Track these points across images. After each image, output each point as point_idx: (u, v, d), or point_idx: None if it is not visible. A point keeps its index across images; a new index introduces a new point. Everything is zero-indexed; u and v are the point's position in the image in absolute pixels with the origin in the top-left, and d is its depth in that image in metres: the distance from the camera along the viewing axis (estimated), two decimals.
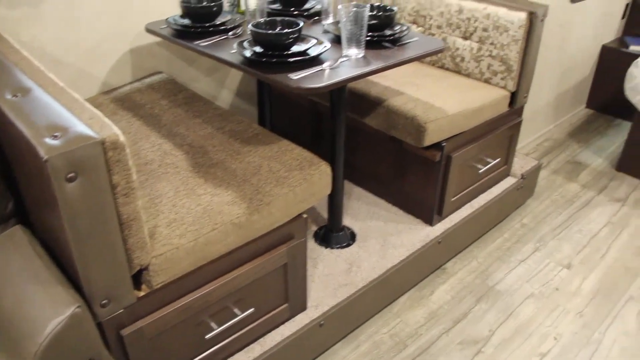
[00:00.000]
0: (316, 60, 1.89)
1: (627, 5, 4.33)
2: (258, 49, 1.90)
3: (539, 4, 2.55)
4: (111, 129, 1.23)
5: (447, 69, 2.81)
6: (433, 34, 2.79)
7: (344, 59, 1.93)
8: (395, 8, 2.16)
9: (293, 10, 2.45)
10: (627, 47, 4.18)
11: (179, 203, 1.65)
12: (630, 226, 3.05)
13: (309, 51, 1.91)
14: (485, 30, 2.59)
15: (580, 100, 4.37)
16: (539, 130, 3.88)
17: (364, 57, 1.96)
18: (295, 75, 1.76)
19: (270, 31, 1.91)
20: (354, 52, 1.95)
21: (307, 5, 2.51)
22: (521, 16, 2.46)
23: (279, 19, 1.99)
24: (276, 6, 2.50)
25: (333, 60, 1.89)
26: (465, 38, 2.69)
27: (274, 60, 1.83)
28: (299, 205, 1.81)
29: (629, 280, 2.66)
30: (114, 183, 1.26)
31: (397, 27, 2.17)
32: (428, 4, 2.77)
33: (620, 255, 2.83)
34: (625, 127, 4.18)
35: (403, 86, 2.54)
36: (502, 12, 2.52)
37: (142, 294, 1.51)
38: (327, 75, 1.79)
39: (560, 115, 4.11)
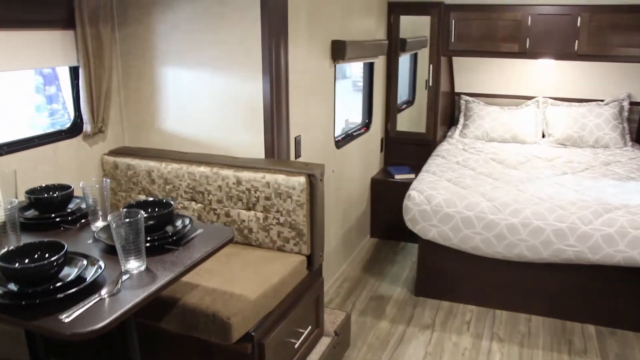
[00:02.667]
0: (91, 287, 1.56)
1: (382, 139, 4.73)
2: (12, 286, 1.51)
3: (315, 164, 2.56)
4: None
5: (237, 243, 2.64)
6: (214, 209, 2.63)
7: (125, 277, 1.63)
8: (172, 202, 1.95)
9: (54, 217, 2.09)
10: (392, 176, 4.51)
11: None
12: (446, 351, 3.07)
13: (80, 278, 1.57)
14: (268, 198, 2.50)
15: (364, 232, 4.54)
16: (334, 273, 3.87)
17: (147, 269, 1.68)
18: (67, 316, 1.41)
19: (26, 263, 1.55)
20: (135, 266, 1.67)
21: (70, 205, 2.18)
22: (301, 180, 2.43)
23: (36, 242, 1.64)
24: (30, 213, 2.12)
25: (112, 285, 1.57)
26: (249, 209, 2.57)
27: (37, 300, 1.46)
28: None
29: None
30: None
31: (178, 222, 1.95)
32: (203, 179, 2.62)
33: None
34: (410, 249, 4.40)
35: (194, 275, 2.28)
36: (281, 179, 2.47)
37: None
38: (108, 306, 1.47)
39: (350, 252, 4.19)
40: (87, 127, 2.71)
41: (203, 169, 2.63)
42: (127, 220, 1.62)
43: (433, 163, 4.12)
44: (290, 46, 2.73)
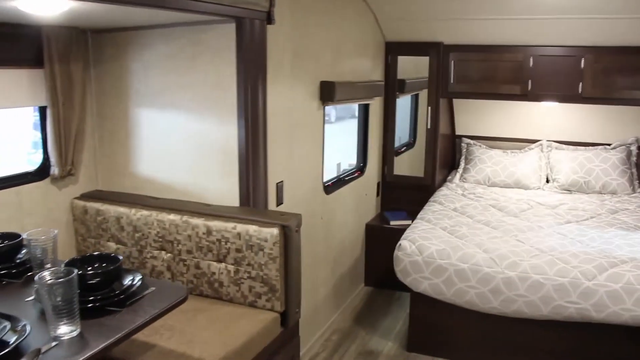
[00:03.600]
0: (13, 356, 1.37)
1: (378, 184, 4.55)
2: None
3: (292, 214, 2.39)
4: None
5: (207, 296, 2.45)
6: (184, 260, 2.44)
7: (53, 344, 1.44)
8: (120, 257, 1.78)
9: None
10: (388, 222, 4.31)
11: None
12: None
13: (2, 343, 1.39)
14: (239, 250, 2.32)
15: (358, 279, 4.32)
16: (323, 324, 3.65)
17: (80, 335, 1.49)
18: None
19: None
20: (66, 331, 1.48)
21: (20, 255, 2.01)
22: (274, 232, 2.25)
23: None
24: None
25: (32, 354, 1.39)
26: (219, 261, 2.39)
27: None
28: None
29: None
30: None
31: (127, 280, 1.77)
32: (173, 228, 2.45)
33: None
34: (406, 299, 4.14)
35: (154, 334, 2.08)
36: (253, 230, 2.29)
37: None
38: None
39: (342, 301, 3.97)
40: (54, 169, 2.55)
41: (173, 216, 2.46)
42: (58, 280, 1.45)
43: (429, 210, 3.92)
44: (272, 87, 2.59)
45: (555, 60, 4.00)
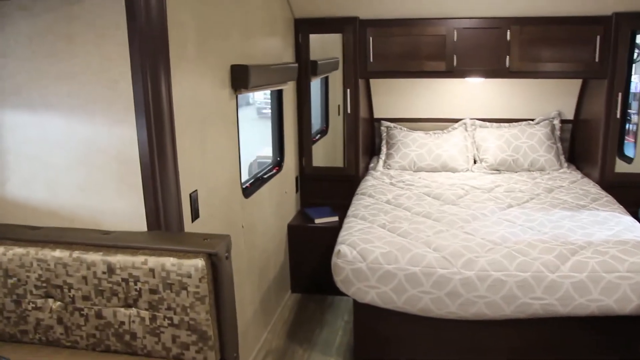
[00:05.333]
0: None
1: (297, 178, 4.08)
2: None
3: (218, 236, 1.86)
4: None
5: (116, 352, 1.87)
6: (80, 309, 1.85)
7: None
8: None
9: None
10: (312, 220, 3.86)
11: None
12: None
13: None
14: (154, 291, 1.77)
15: (284, 287, 3.85)
16: (253, 346, 3.14)
17: None
18: None
19: None
20: None
21: None
22: (198, 264, 1.72)
23: None
24: None
25: None
26: (129, 306, 1.82)
27: None
28: None
29: None
30: None
31: None
32: (61, 268, 1.84)
33: None
34: (339, 304, 3.76)
35: None
36: (170, 263, 1.74)
37: None
38: None
39: (271, 316, 3.48)
40: None
41: (59, 253, 1.85)
42: None
43: (360, 204, 3.51)
44: (175, 75, 2.02)
45: (480, 33, 3.71)
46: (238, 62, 2.71)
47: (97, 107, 1.93)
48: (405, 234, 2.96)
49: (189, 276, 1.72)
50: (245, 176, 3.23)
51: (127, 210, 1.98)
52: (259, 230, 3.22)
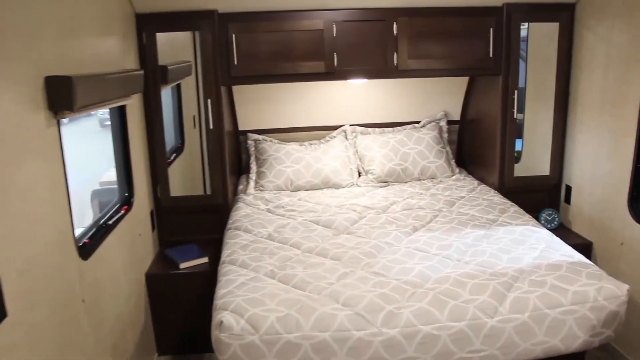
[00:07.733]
0: None
1: (152, 212, 3.27)
2: None
3: None
4: None
5: None
6: None
7: None
8: None
9: None
10: (176, 265, 3.08)
11: None
12: None
13: None
14: None
15: (148, 351, 3.03)
16: None
17: None
18: None
19: None
20: None
21: None
22: None
23: None
24: None
25: None
26: None
27: None
28: None
29: None
30: None
31: None
32: None
33: None
34: None
35: None
36: None
37: None
38: None
39: None
40: None
41: None
42: None
43: (235, 244, 2.79)
44: None
45: (363, 27, 3.16)
46: (56, 72, 1.90)
47: None
48: (302, 284, 2.31)
49: None
50: (84, 221, 2.38)
51: None
52: (107, 297, 2.40)
